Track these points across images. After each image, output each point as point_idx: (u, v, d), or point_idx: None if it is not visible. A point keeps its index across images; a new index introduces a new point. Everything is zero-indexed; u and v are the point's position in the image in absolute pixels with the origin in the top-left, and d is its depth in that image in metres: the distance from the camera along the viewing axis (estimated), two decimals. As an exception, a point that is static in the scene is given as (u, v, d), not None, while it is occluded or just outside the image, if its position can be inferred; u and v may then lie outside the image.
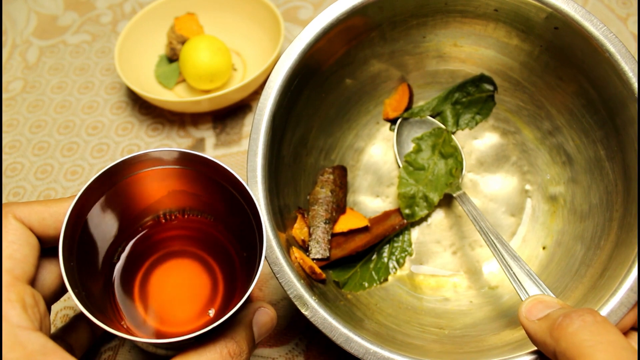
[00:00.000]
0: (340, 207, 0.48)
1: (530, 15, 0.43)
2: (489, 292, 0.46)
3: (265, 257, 0.34)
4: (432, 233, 0.50)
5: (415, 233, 0.50)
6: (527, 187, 0.50)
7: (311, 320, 0.36)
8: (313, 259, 0.44)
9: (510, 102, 0.51)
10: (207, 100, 0.58)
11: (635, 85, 0.38)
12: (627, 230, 0.38)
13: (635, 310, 0.35)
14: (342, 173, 0.50)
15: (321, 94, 0.49)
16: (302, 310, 0.36)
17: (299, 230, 0.45)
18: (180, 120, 0.63)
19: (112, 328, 0.29)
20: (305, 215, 0.46)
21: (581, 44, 0.41)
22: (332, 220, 0.47)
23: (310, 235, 0.45)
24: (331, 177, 0.49)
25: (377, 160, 0.53)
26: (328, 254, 0.45)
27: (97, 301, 0.33)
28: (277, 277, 0.37)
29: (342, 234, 0.47)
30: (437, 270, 0.48)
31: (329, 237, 0.46)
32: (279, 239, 0.38)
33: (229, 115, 0.63)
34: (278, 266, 0.37)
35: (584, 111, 0.44)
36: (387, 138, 0.53)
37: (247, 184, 0.38)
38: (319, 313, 0.36)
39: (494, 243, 0.41)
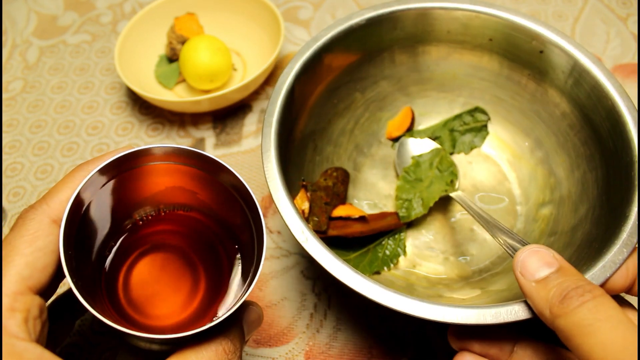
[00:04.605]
0: (340, 197, 0.50)
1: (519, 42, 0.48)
2: (485, 293, 0.46)
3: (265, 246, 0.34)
4: (426, 241, 0.51)
5: (409, 240, 0.51)
6: (518, 208, 0.51)
7: (306, 247, 0.37)
8: None
9: (503, 131, 0.55)
10: (207, 100, 0.58)
11: (632, 133, 0.41)
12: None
13: (623, 271, 0.35)
14: (344, 173, 0.52)
15: (333, 99, 0.52)
16: (301, 241, 0.38)
17: (300, 200, 0.46)
18: (180, 120, 0.63)
19: (113, 322, 0.29)
20: (308, 189, 0.47)
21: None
22: (331, 204, 0.49)
23: (310, 209, 0.47)
24: (334, 173, 0.51)
25: (377, 175, 0.55)
26: (325, 228, 0.47)
27: (89, 293, 0.33)
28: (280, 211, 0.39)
29: (341, 218, 0.48)
30: (430, 273, 0.49)
31: (328, 215, 0.48)
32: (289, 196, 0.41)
33: (229, 115, 0.63)
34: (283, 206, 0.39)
35: (579, 144, 0.47)
36: (387, 157, 0.56)
37: (262, 146, 0.42)
38: (316, 243, 0.38)
39: (496, 231, 0.41)
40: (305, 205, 0.46)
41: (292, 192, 0.44)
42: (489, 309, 0.34)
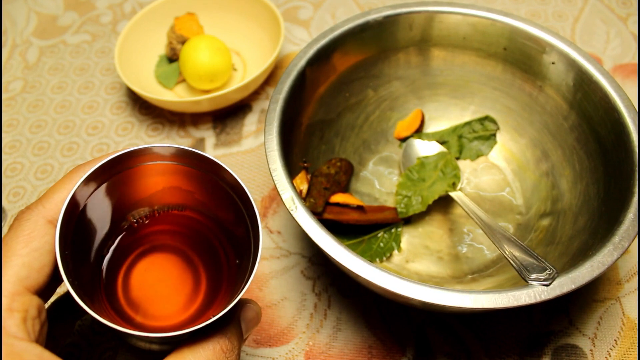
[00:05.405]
0: (340, 185, 0.51)
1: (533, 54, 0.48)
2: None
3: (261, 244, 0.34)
4: (422, 239, 0.51)
5: (405, 237, 0.51)
6: (518, 217, 0.51)
7: (295, 216, 0.38)
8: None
9: (511, 141, 0.55)
10: (207, 100, 0.58)
11: (634, 143, 0.41)
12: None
13: None
14: (348, 165, 0.53)
15: (345, 93, 0.53)
16: (292, 211, 0.39)
17: (299, 180, 0.47)
18: (180, 120, 0.63)
19: (111, 322, 0.29)
20: (308, 172, 0.48)
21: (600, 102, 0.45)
22: (330, 190, 0.49)
23: (308, 191, 0.48)
24: (338, 163, 0.52)
25: (381, 171, 0.55)
26: (321, 210, 0.47)
27: (87, 293, 0.33)
28: (274, 179, 0.40)
29: (338, 204, 0.49)
30: (422, 271, 0.49)
31: (325, 199, 0.48)
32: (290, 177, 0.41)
33: (229, 115, 0.63)
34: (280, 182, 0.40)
35: (585, 157, 0.47)
36: (393, 156, 0.56)
37: (265, 127, 0.43)
38: (304, 213, 0.39)
39: (493, 232, 0.42)
40: (304, 186, 0.47)
41: (292, 173, 0.44)
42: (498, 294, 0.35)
